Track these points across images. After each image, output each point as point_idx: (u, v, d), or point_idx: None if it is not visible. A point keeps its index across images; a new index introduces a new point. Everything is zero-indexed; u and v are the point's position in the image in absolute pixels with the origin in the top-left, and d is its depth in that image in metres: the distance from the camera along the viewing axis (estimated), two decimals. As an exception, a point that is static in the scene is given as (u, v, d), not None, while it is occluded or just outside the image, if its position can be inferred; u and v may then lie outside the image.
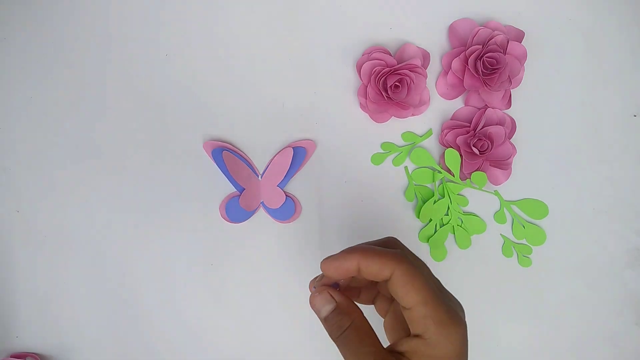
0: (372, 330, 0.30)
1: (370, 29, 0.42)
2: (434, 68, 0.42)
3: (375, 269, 0.29)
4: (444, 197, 0.42)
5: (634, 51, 0.42)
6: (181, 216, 0.43)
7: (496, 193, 0.42)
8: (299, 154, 0.42)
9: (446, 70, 0.42)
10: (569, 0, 0.42)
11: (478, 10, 0.42)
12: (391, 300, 0.33)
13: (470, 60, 0.40)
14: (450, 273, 0.43)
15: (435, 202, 0.42)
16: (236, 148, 0.42)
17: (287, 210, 0.42)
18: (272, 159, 0.42)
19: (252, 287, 0.43)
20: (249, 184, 0.42)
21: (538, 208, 0.42)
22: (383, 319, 0.33)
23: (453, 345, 0.28)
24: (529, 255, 0.42)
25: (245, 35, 0.43)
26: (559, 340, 0.43)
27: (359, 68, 0.41)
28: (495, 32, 0.40)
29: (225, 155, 0.41)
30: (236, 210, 0.42)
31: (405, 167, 0.43)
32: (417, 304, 0.28)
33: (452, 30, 0.42)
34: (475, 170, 0.41)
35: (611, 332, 0.42)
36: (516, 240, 0.43)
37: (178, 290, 0.43)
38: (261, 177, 0.42)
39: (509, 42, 0.40)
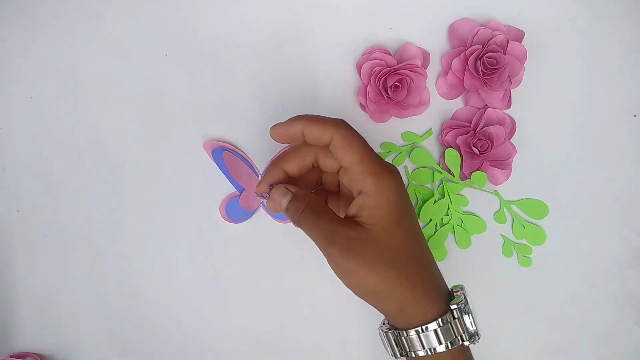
0: (328, 207, 0.34)
1: (370, 29, 0.42)
2: (434, 68, 0.42)
3: (317, 133, 0.33)
4: (444, 197, 0.42)
5: (634, 51, 0.42)
6: (181, 216, 0.43)
7: (496, 193, 0.42)
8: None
9: (446, 70, 0.42)
10: (569, 0, 0.42)
11: (478, 10, 0.42)
12: (338, 192, 0.38)
13: (470, 60, 0.40)
14: (450, 273, 0.43)
15: (435, 202, 0.42)
16: (236, 148, 0.42)
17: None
18: (272, 159, 0.42)
19: (252, 287, 0.43)
20: (249, 183, 0.42)
21: (538, 208, 0.42)
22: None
23: (391, 190, 0.32)
24: (529, 255, 0.42)
25: (245, 35, 0.43)
26: (558, 340, 0.43)
27: (359, 68, 0.41)
28: (495, 32, 0.40)
29: (225, 155, 0.41)
30: (236, 210, 0.42)
31: (405, 167, 0.43)
32: (355, 162, 0.32)
33: (452, 30, 0.42)
34: (475, 170, 0.41)
35: (611, 332, 0.42)
36: (516, 240, 0.43)
37: (178, 290, 0.43)
38: (261, 177, 0.42)
39: (509, 42, 0.40)
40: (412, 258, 0.32)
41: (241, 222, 0.42)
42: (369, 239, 0.32)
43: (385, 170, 0.32)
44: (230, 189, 0.42)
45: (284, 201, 0.34)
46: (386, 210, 0.32)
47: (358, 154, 0.32)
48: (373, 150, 0.33)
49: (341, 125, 0.33)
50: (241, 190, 0.42)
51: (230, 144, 0.42)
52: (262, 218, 0.43)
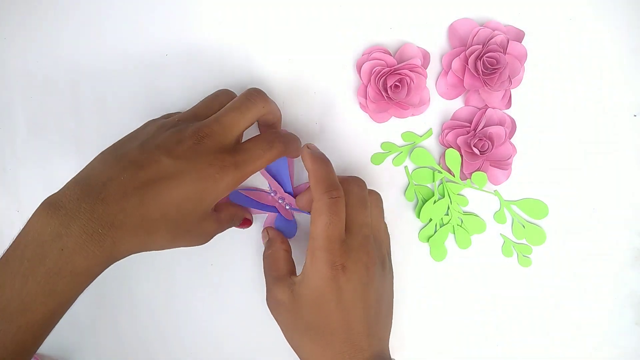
0: (285, 259, 0.37)
1: (370, 29, 0.42)
2: (434, 68, 0.42)
3: (308, 197, 0.36)
4: (444, 197, 0.42)
5: (634, 51, 0.42)
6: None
7: (496, 193, 0.42)
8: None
9: (446, 70, 0.42)
10: (569, 0, 0.42)
11: (478, 10, 0.42)
12: None
13: (471, 60, 0.40)
14: (450, 273, 0.43)
15: (435, 202, 0.42)
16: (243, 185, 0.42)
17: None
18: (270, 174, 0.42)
19: (252, 287, 0.43)
20: (273, 200, 0.42)
21: (538, 208, 0.42)
22: None
23: (318, 274, 0.33)
24: (529, 255, 0.42)
25: (245, 35, 0.43)
26: (559, 340, 0.43)
27: (359, 68, 0.41)
28: (495, 32, 0.40)
29: (241, 192, 0.41)
30: (285, 225, 0.42)
31: (405, 167, 0.43)
32: (311, 237, 0.34)
33: (452, 30, 0.42)
34: (475, 170, 0.41)
35: (611, 332, 0.42)
36: (516, 240, 0.43)
37: (178, 290, 0.43)
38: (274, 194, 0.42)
39: (509, 42, 0.40)
40: (334, 333, 0.33)
41: (292, 235, 0.42)
42: (291, 307, 0.34)
43: (322, 253, 0.33)
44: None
45: (263, 241, 0.41)
46: (310, 290, 0.33)
47: (314, 230, 0.33)
48: (335, 229, 0.33)
49: (318, 196, 0.33)
50: (274, 209, 0.42)
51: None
52: (262, 218, 0.43)
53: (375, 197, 0.38)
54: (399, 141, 0.43)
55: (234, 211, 0.39)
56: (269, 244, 0.39)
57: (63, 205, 0.30)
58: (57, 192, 0.32)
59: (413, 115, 0.42)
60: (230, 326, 0.43)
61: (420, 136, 0.43)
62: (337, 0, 0.42)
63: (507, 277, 0.43)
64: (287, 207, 0.41)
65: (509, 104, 0.42)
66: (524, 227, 0.42)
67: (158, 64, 0.43)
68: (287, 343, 0.36)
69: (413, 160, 0.42)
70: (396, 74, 0.40)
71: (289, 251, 0.38)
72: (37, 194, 0.43)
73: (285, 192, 0.41)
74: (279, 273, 0.37)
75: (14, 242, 0.30)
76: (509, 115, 0.42)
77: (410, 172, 0.43)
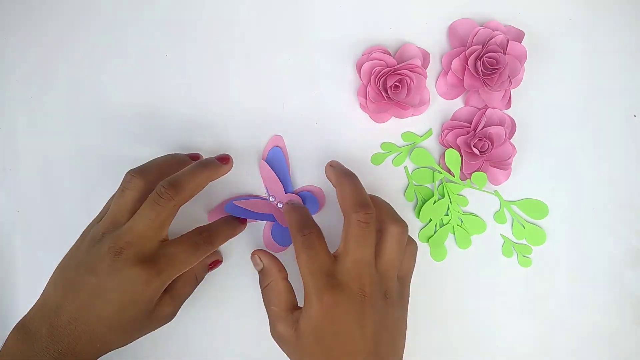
0: (286, 291, 0.36)
1: (370, 29, 0.42)
2: (434, 68, 0.42)
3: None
4: (443, 197, 0.42)
5: (634, 51, 0.42)
6: (180, 216, 0.43)
7: (496, 193, 0.42)
8: (276, 155, 0.41)
9: (446, 70, 0.42)
10: (569, 0, 0.42)
11: (478, 10, 0.42)
12: None
13: (470, 60, 0.40)
14: (450, 273, 0.43)
15: (435, 202, 0.42)
16: (236, 197, 0.42)
17: (313, 202, 0.42)
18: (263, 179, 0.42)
19: (253, 287, 0.43)
20: (271, 208, 0.41)
21: (538, 208, 0.42)
22: None
23: (312, 309, 0.33)
24: (529, 255, 0.42)
25: (245, 35, 0.43)
26: (558, 340, 0.43)
27: (358, 68, 0.41)
28: (495, 32, 0.40)
29: (237, 204, 0.41)
30: (282, 233, 0.42)
31: (405, 167, 0.43)
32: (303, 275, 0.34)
33: (452, 30, 0.42)
34: (475, 171, 0.41)
35: (611, 332, 0.42)
36: (516, 240, 0.43)
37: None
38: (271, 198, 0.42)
39: (509, 42, 0.40)
40: None
41: (290, 243, 0.42)
42: (296, 343, 0.34)
43: (310, 289, 0.33)
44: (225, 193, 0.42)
45: (256, 269, 0.38)
46: (310, 325, 0.33)
47: (299, 269, 0.34)
48: (314, 263, 0.33)
49: (294, 235, 0.35)
50: (271, 217, 0.41)
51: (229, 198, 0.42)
52: (256, 224, 0.43)
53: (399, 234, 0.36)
54: (399, 141, 0.43)
55: (187, 278, 0.38)
56: (265, 275, 0.37)
57: (29, 329, 0.33)
58: (26, 314, 0.35)
59: (413, 115, 0.42)
60: (230, 326, 0.43)
61: (420, 136, 0.43)
62: (337, 0, 0.42)
63: (507, 277, 0.43)
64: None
65: (508, 104, 0.42)
66: (524, 227, 0.42)
67: (158, 64, 0.43)
68: None
69: (413, 160, 0.42)
70: (396, 74, 0.40)
71: (287, 279, 0.37)
72: (37, 194, 0.43)
73: (285, 193, 0.41)
74: (281, 308, 0.36)
75: None
76: (508, 116, 0.42)
77: (410, 172, 0.43)
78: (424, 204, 0.42)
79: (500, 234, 0.43)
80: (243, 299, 0.43)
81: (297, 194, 0.42)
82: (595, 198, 0.42)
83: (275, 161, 0.41)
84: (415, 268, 0.43)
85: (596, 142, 0.42)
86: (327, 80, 0.43)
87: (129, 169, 0.36)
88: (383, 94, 0.40)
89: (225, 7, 0.43)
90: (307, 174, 0.42)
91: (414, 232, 0.43)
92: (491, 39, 0.40)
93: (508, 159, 0.41)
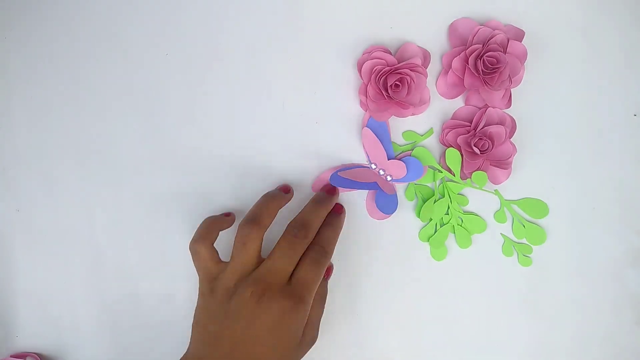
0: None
1: (371, 29, 0.42)
2: (434, 67, 0.42)
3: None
4: (444, 196, 0.42)
5: (634, 51, 0.42)
6: (181, 216, 0.43)
7: (496, 192, 0.42)
8: (375, 122, 0.42)
9: (446, 69, 0.42)
10: (569, 0, 0.42)
11: (478, 9, 0.42)
12: None
13: (471, 59, 0.40)
14: (451, 272, 0.43)
15: (435, 201, 0.42)
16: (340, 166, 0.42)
17: (417, 167, 0.42)
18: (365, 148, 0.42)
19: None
20: (374, 176, 0.42)
21: (538, 207, 0.42)
22: None
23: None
24: (529, 255, 0.42)
25: (245, 35, 0.43)
26: (558, 340, 0.43)
27: (359, 67, 0.41)
28: (496, 31, 0.40)
29: (341, 174, 0.41)
30: (386, 200, 0.41)
31: (406, 167, 0.43)
32: None
33: (452, 29, 0.42)
34: (475, 170, 0.41)
35: (611, 332, 0.42)
36: (516, 240, 0.43)
37: (178, 290, 0.43)
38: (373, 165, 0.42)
39: (509, 41, 0.40)
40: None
41: (393, 211, 0.42)
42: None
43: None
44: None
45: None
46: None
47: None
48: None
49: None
50: (375, 186, 0.41)
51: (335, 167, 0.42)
52: (354, 199, 0.43)
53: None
54: (400, 140, 0.43)
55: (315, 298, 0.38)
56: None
57: None
58: None
59: (413, 114, 0.42)
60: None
61: (421, 135, 0.43)
62: (337, 0, 0.43)
63: (507, 277, 0.43)
64: (388, 179, 0.41)
65: (509, 104, 0.42)
66: (524, 226, 0.42)
67: (158, 64, 0.43)
68: None
69: (413, 159, 0.42)
70: (396, 73, 0.40)
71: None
72: (37, 194, 0.43)
73: (388, 159, 0.41)
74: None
75: None
76: (509, 115, 0.42)
77: (410, 171, 0.43)
78: (424, 203, 0.42)
79: (501, 234, 0.43)
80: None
81: (399, 159, 0.42)
82: (595, 197, 0.42)
83: (376, 128, 0.41)
84: (415, 268, 0.43)
85: (596, 141, 0.42)
86: (327, 80, 0.43)
87: (241, 222, 0.37)
88: (383, 93, 0.40)
89: (225, 7, 0.43)
90: (308, 174, 0.42)
91: (414, 231, 0.43)
92: (491, 38, 0.40)
93: (508, 158, 0.41)
